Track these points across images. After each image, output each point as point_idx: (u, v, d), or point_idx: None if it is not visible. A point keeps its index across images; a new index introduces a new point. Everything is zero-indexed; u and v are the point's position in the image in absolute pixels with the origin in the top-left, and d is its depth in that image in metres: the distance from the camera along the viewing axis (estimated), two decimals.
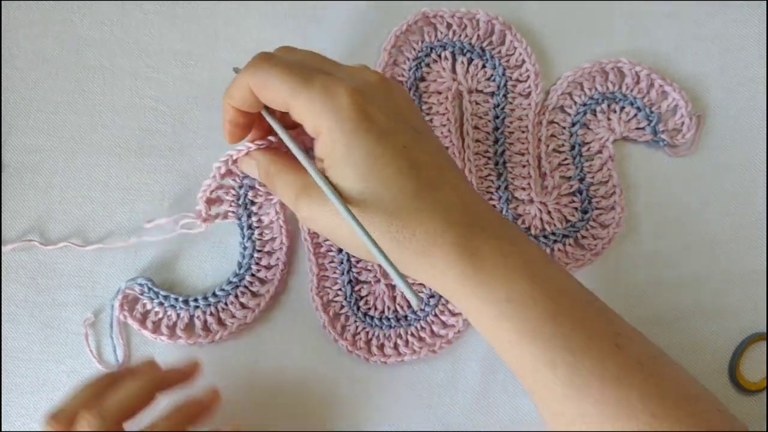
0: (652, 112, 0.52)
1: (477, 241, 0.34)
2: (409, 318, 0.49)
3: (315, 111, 0.35)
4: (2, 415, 0.47)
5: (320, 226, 0.38)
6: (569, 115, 0.52)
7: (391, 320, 0.49)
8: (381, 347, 0.49)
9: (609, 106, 0.53)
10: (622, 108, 0.52)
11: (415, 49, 0.52)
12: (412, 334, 0.49)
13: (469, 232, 0.34)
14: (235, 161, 0.45)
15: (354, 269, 0.49)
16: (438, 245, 0.34)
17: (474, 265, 0.34)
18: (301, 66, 0.37)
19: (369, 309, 0.49)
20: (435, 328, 0.49)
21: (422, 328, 0.49)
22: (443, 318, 0.49)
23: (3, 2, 0.51)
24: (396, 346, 0.49)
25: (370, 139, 0.34)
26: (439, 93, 0.52)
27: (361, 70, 0.39)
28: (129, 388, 0.38)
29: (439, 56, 0.52)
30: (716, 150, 0.53)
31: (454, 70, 0.52)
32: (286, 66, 0.36)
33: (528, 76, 0.52)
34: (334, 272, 0.49)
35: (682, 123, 0.52)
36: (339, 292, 0.49)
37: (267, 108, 0.40)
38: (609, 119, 0.52)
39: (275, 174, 0.40)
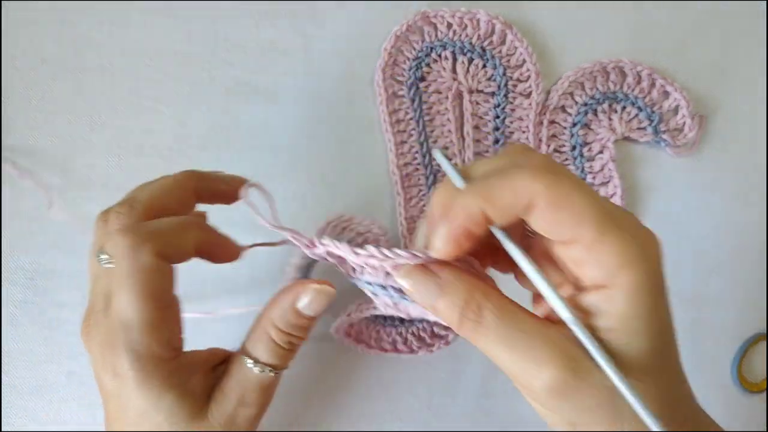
0: (653, 112, 0.52)
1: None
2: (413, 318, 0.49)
3: (623, 258, 0.27)
4: (2, 415, 0.47)
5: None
6: (570, 115, 0.52)
7: (395, 319, 0.49)
8: (378, 341, 0.49)
9: (610, 106, 0.52)
10: (624, 108, 0.52)
11: (415, 49, 0.52)
12: (413, 333, 0.49)
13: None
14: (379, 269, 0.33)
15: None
16: None
17: None
18: (599, 196, 0.28)
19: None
20: (435, 329, 0.49)
21: (423, 328, 0.49)
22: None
23: (3, 2, 0.51)
24: (394, 343, 0.48)
25: (668, 306, 0.29)
26: (440, 93, 0.52)
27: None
28: (162, 182, 0.36)
29: (440, 56, 0.52)
30: (717, 150, 0.53)
31: (454, 70, 0.52)
32: (590, 189, 0.28)
33: (528, 76, 0.52)
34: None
35: (684, 123, 0.52)
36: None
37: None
38: (610, 119, 0.52)
39: (485, 307, 0.28)
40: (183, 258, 0.34)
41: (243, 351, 0.36)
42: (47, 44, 0.51)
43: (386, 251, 0.29)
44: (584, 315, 0.28)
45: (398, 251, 0.29)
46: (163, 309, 0.32)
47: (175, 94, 0.51)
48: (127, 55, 0.52)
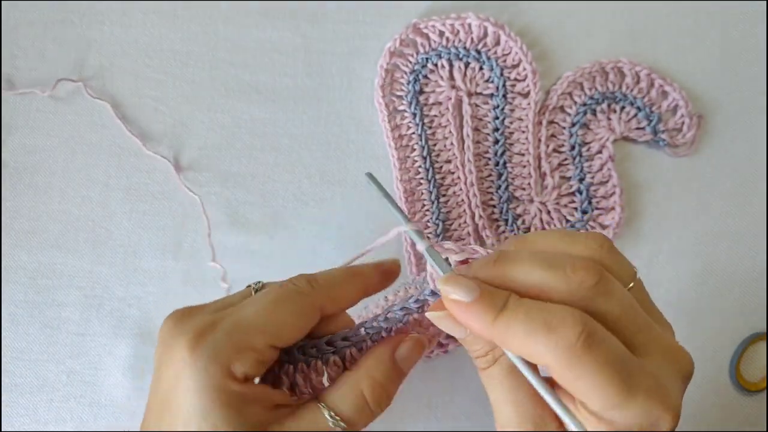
0: (652, 111, 0.52)
1: None
2: None
3: (651, 417, 0.26)
4: (2, 415, 0.47)
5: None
6: (569, 115, 0.52)
7: None
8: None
9: (609, 106, 0.53)
10: (623, 108, 0.52)
11: (410, 62, 0.52)
12: None
13: None
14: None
15: None
16: None
17: None
18: (622, 354, 0.27)
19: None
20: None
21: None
22: None
23: (3, 2, 0.51)
24: None
25: None
26: (440, 104, 0.52)
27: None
28: (338, 271, 0.34)
29: (436, 65, 0.52)
30: (716, 150, 0.53)
31: (452, 77, 0.52)
32: (610, 356, 0.26)
33: (526, 75, 0.52)
34: None
35: (683, 123, 0.52)
36: None
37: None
38: (609, 119, 0.52)
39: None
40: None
41: (322, 399, 0.31)
42: (47, 44, 0.51)
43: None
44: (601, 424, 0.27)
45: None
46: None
47: (175, 94, 0.51)
48: (127, 55, 0.52)
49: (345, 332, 0.33)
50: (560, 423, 0.28)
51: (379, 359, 0.32)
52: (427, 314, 0.30)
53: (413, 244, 0.35)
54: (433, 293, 0.32)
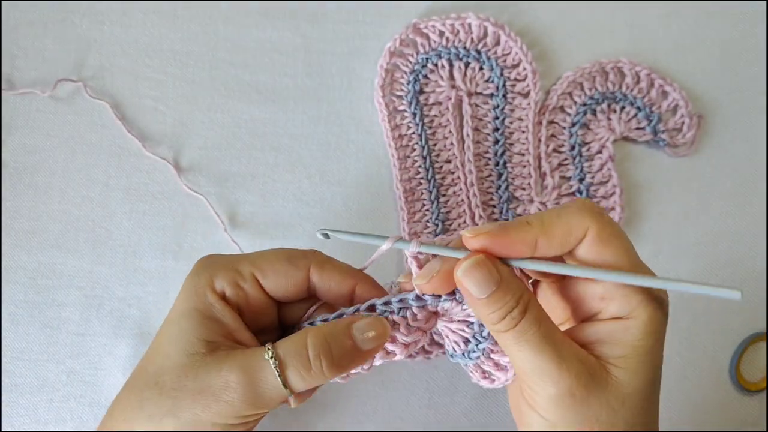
0: (652, 111, 0.52)
1: None
2: None
3: (646, 296, 0.31)
4: (2, 415, 0.47)
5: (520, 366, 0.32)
6: (569, 115, 0.52)
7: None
8: None
9: (609, 105, 0.53)
10: (623, 108, 0.52)
11: (410, 62, 0.52)
12: None
13: None
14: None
15: None
16: None
17: None
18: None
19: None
20: (436, 338, 0.49)
21: None
22: None
23: (3, 2, 0.51)
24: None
25: (662, 350, 0.32)
26: (440, 104, 0.52)
27: None
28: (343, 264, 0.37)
29: (436, 65, 0.52)
30: (716, 150, 0.53)
31: (452, 77, 0.52)
32: (625, 233, 0.32)
33: (526, 75, 0.52)
34: None
35: (683, 123, 0.52)
36: None
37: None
38: (609, 119, 0.52)
39: (529, 310, 0.31)
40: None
41: (269, 348, 0.33)
42: (47, 44, 0.51)
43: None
44: (597, 343, 0.31)
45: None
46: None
47: (175, 94, 0.51)
48: (127, 55, 0.52)
49: (327, 315, 0.36)
50: (596, 359, 0.31)
51: (334, 324, 0.34)
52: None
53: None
54: (418, 298, 0.34)
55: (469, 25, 0.51)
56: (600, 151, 0.52)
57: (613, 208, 0.51)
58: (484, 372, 0.36)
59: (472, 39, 0.52)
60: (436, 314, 0.36)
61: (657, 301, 0.31)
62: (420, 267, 0.33)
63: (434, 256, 0.33)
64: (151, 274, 0.49)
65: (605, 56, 0.53)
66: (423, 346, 0.49)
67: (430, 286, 0.33)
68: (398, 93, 0.52)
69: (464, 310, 0.35)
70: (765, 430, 0.51)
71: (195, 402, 0.32)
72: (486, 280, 0.30)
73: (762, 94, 0.54)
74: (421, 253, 0.33)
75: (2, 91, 0.50)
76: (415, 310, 0.35)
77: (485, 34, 0.52)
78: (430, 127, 0.51)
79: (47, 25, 0.51)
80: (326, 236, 0.35)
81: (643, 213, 0.52)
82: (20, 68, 0.51)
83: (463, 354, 0.36)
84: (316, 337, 0.33)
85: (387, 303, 0.35)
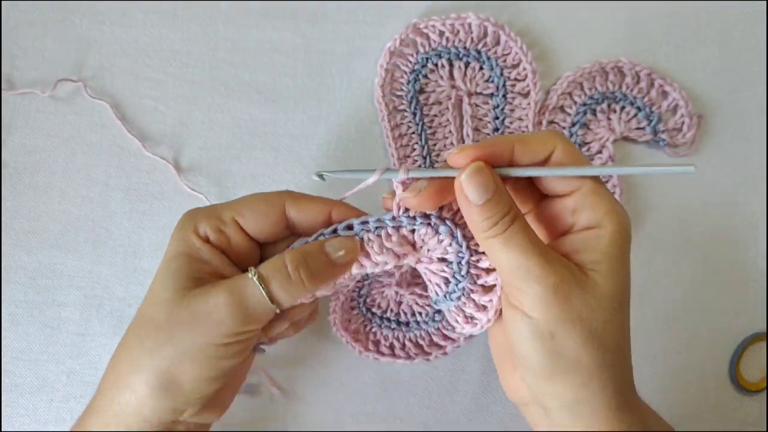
0: (652, 111, 0.52)
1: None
2: (410, 325, 0.49)
3: (612, 206, 0.35)
4: (2, 415, 0.47)
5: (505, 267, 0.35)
6: (569, 115, 0.52)
7: (392, 322, 0.49)
8: (377, 343, 0.49)
9: (609, 105, 0.53)
10: (623, 108, 0.52)
11: (410, 62, 0.52)
12: (410, 340, 0.49)
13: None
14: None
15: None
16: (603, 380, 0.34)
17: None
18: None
19: (373, 306, 0.49)
20: (435, 338, 0.49)
21: (422, 337, 0.49)
22: (445, 332, 0.49)
23: (3, 2, 0.51)
24: (392, 347, 0.49)
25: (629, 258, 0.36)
26: (440, 104, 0.52)
27: None
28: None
29: (436, 65, 0.52)
30: (716, 150, 0.53)
31: (452, 77, 0.52)
32: None
33: (526, 75, 0.52)
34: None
35: (683, 122, 0.52)
36: (355, 287, 0.49)
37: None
38: (609, 119, 0.52)
39: (517, 219, 0.34)
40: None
41: (252, 269, 0.36)
42: (47, 44, 0.51)
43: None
44: (573, 253, 0.35)
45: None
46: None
47: (175, 94, 0.51)
48: (127, 55, 0.52)
49: (306, 239, 0.39)
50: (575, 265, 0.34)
51: (308, 245, 0.38)
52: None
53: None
54: (394, 219, 0.37)
55: (469, 25, 0.51)
56: (600, 151, 0.52)
57: None
58: (466, 316, 0.38)
59: (472, 39, 0.52)
60: (414, 247, 0.38)
61: (621, 213, 0.35)
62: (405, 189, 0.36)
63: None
64: (151, 274, 0.48)
65: (605, 56, 0.53)
66: (423, 347, 0.49)
67: (416, 200, 0.35)
68: (398, 93, 0.52)
69: (441, 242, 0.37)
70: (765, 430, 0.51)
71: (189, 328, 0.35)
72: (485, 186, 0.33)
73: (762, 94, 0.54)
74: (408, 180, 0.36)
75: (2, 91, 0.50)
76: (390, 230, 0.37)
77: (485, 34, 0.52)
78: (430, 127, 0.51)
79: (47, 25, 0.51)
80: (321, 177, 0.37)
81: (643, 212, 0.52)
82: (20, 68, 0.51)
83: (445, 296, 0.39)
84: (293, 254, 0.36)
85: (364, 222, 0.38)
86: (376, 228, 0.37)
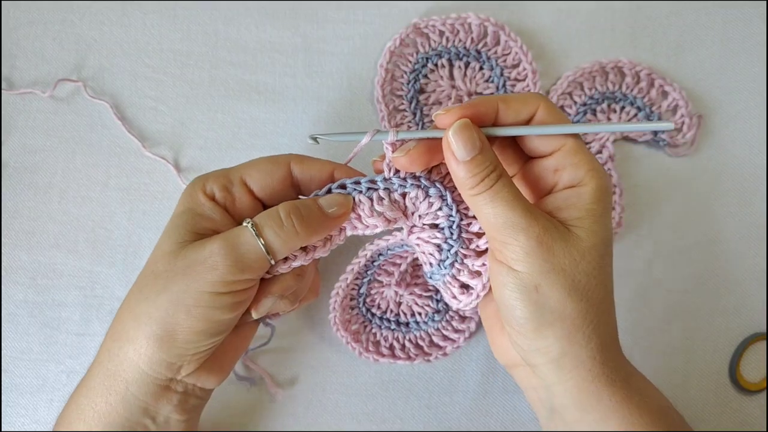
0: (652, 111, 0.52)
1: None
2: (410, 325, 0.49)
3: (592, 165, 0.36)
4: (2, 415, 0.47)
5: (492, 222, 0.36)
6: (569, 114, 0.52)
7: (392, 322, 0.49)
8: (377, 344, 0.49)
9: (609, 105, 0.53)
10: (623, 108, 0.52)
11: (410, 62, 0.52)
12: (410, 341, 0.49)
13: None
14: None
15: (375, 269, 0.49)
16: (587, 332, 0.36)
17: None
18: None
19: (372, 306, 0.49)
20: (435, 339, 0.49)
21: (422, 337, 0.49)
22: (445, 332, 0.49)
23: (3, 2, 0.51)
24: (392, 348, 0.49)
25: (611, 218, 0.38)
26: (440, 104, 0.52)
27: None
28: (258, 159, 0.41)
29: (436, 65, 0.52)
30: (716, 150, 0.53)
31: (452, 77, 0.52)
32: None
33: (526, 75, 0.52)
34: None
35: (683, 122, 0.52)
36: (354, 285, 0.49)
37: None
38: (609, 119, 0.52)
39: (503, 176, 0.36)
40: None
41: (247, 219, 0.37)
42: (47, 44, 0.51)
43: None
44: (556, 210, 0.36)
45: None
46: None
47: (175, 94, 0.51)
48: (127, 55, 0.52)
49: (302, 197, 0.40)
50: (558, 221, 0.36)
51: (303, 199, 0.39)
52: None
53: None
54: (385, 179, 0.38)
55: (469, 24, 0.51)
56: (600, 151, 0.52)
57: (613, 208, 0.51)
58: (462, 285, 0.39)
59: (472, 39, 0.52)
60: (405, 213, 0.39)
61: (601, 171, 0.36)
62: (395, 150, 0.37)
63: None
64: None
65: (605, 56, 0.53)
66: (423, 348, 0.49)
67: (405, 159, 0.37)
68: (398, 93, 0.52)
69: (431, 205, 0.38)
70: (765, 430, 0.51)
71: (185, 276, 0.36)
72: (472, 142, 0.35)
73: (762, 94, 0.54)
74: (398, 141, 0.37)
75: (2, 91, 0.50)
76: (381, 193, 0.38)
77: (485, 34, 0.52)
78: (430, 127, 0.51)
79: (47, 25, 0.51)
80: (315, 140, 0.38)
81: (643, 212, 0.52)
82: (20, 68, 0.51)
83: (439, 264, 0.39)
84: (286, 203, 0.38)
85: (357, 182, 0.39)
86: (368, 189, 0.38)
